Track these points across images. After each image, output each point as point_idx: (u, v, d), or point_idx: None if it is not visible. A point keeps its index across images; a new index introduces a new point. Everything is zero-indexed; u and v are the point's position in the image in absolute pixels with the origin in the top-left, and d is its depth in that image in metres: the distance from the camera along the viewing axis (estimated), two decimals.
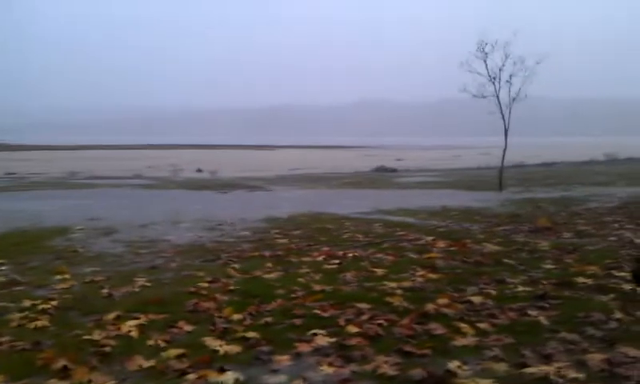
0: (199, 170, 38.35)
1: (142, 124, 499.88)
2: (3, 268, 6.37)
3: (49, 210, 12.26)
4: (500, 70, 18.99)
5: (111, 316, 4.37)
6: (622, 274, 5.62)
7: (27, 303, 4.76)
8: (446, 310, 4.48)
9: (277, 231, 9.02)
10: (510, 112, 19.34)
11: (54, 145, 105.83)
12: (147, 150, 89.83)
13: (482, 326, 4.11)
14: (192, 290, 5.20)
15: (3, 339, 3.85)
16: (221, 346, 3.73)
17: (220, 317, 4.38)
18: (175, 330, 4.09)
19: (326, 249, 7.30)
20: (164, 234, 9.01)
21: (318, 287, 5.23)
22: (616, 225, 9.38)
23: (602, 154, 44.44)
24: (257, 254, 7.10)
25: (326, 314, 4.39)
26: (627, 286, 5.11)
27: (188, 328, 4.13)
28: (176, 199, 15.76)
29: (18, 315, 4.42)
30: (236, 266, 6.35)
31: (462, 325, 4.12)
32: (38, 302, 4.80)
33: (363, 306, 4.59)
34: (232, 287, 5.29)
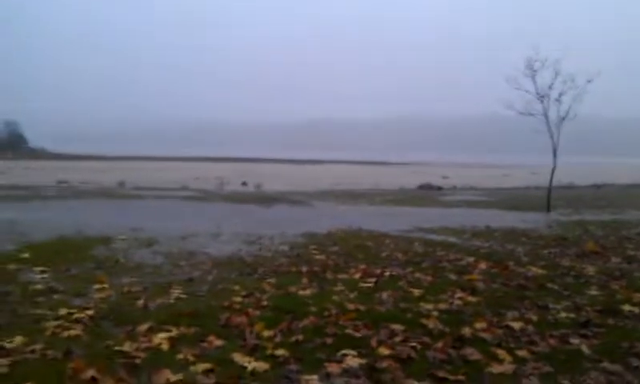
0: (244, 184, 38.75)
1: (181, 136, 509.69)
2: (44, 276, 6.47)
3: (94, 219, 12.51)
4: (549, 87, 18.62)
5: (144, 327, 4.37)
6: None
7: (63, 311, 4.81)
8: (483, 335, 4.33)
9: (315, 247, 8.97)
10: (559, 131, 18.90)
11: (101, 155, 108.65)
12: (191, 162, 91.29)
13: (520, 353, 3.96)
14: (225, 303, 5.17)
15: (36, 347, 3.89)
16: (249, 362, 3.68)
17: (251, 332, 4.33)
18: (205, 345, 4.06)
19: (363, 266, 7.19)
20: (204, 246, 9.07)
21: (352, 306, 5.13)
22: None
23: None
24: (293, 269, 7.06)
25: (358, 334, 4.29)
26: None
27: (218, 343, 4.09)
28: (219, 212, 15.90)
29: (54, 323, 4.46)
30: (271, 280, 6.31)
31: (500, 351, 3.97)
32: (74, 310, 4.84)
33: (397, 327, 4.47)
34: (265, 302, 5.24)
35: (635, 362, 3.75)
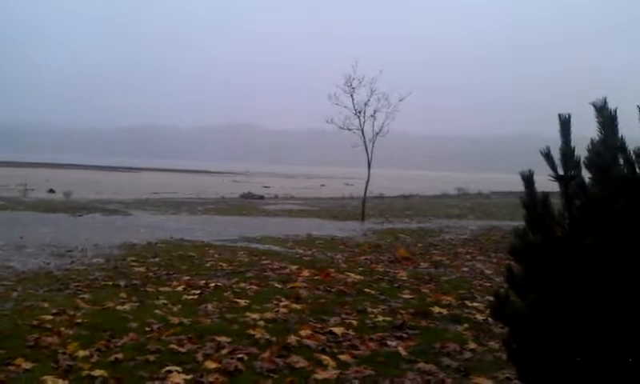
0: (52, 191, 35.87)
1: None
2: None
3: None
4: (365, 104, 19.71)
5: None
6: (475, 304, 5.90)
7: None
8: (308, 342, 4.41)
9: (133, 258, 8.52)
10: (373, 145, 20.05)
11: None
12: None
13: (343, 357, 4.08)
14: (34, 322, 4.72)
15: None
16: None
17: (64, 353, 3.99)
18: (12, 368, 3.68)
19: (186, 278, 6.99)
20: (6, 259, 8.21)
21: (175, 319, 4.94)
22: (468, 256, 9.92)
23: (454, 188, 47.39)
24: (110, 283, 6.64)
25: (182, 349, 4.15)
26: (480, 316, 5.35)
27: (27, 365, 3.73)
28: (23, 221, 14.51)
29: None
30: (85, 296, 5.87)
31: (324, 357, 4.07)
32: None
33: (223, 339, 4.40)
34: (80, 320, 4.87)
35: (447, 361, 4.04)
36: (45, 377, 3.51)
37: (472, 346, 4.43)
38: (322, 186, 65.18)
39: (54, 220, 15.34)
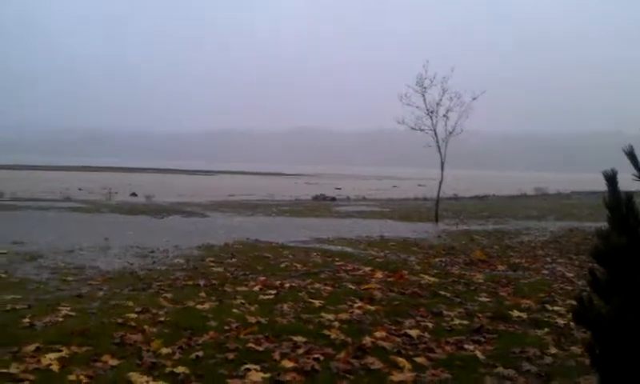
0: (134, 194, 37.38)
1: (72, 145, 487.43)
2: None
3: None
4: (437, 104, 19.47)
5: (31, 348, 4.07)
6: (556, 307, 5.72)
7: None
8: (383, 344, 4.41)
9: (212, 259, 8.77)
10: (446, 145, 19.77)
11: None
12: (76, 171, 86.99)
13: (419, 360, 4.06)
14: (119, 320, 4.93)
15: None
16: (147, 381, 3.53)
17: (148, 350, 4.15)
18: (99, 364, 3.85)
19: (262, 278, 7.12)
20: (92, 260, 8.63)
21: (253, 319, 5.05)
22: (548, 258, 9.63)
23: (532, 189, 46.03)
24: (190, 282, 6.85)
25: (260, 348, 4.24)
26: (561, 321, 5.19)
27: (113, 362, 3.89)
28: (108, 224, 15.21)
29: None
30: (168, 295, 6.08)
31: (400, 359, 4.06)
32: None
33: (299, 338, 4.46)
34: (162, 318, 5.05)
35: (527, 366, 3.95)
36: (130, 373, 3.66)
37: (553, 350, 4.31)
38: (395, 187, 64.83)
39: (136, 222, 15.98)
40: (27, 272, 7.50)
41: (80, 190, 40.18)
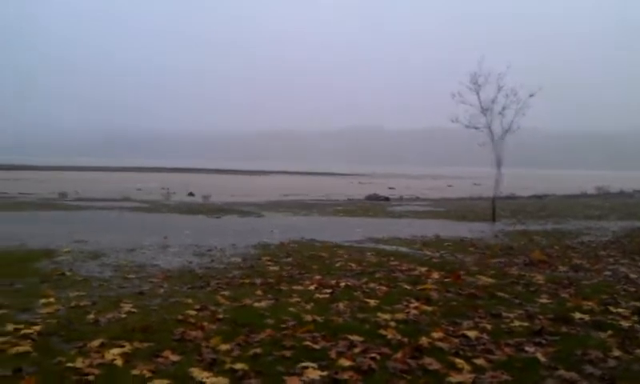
0: (191, 194, 38.17)
1: (129, 146, 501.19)
2: None
3: (35, 232, 12.05)
4: (492, 101, 19.11)
5: (95, 343, 4.21)
6: (619, 309, 5.54)
7: (10, 327, 4.59)
8: (440, 344, 4.36)
9: (268, 258, 8.88)
10: (502, 143, 19.39)
11: (42, 165, 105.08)
12: (135, 172, 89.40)
13: (477, 361, 4.00)
14: (179, 317, 5.05)
15: None
16: (207, 377, 3.60)
17: (207, 347, 4.24)
18: (161, 360, 3.94)
19: (317, 277, 7.16)
20: (153, 258, 8.86)
21: (309, 317, 5.09)
22: (611, 259, 9.33)
23: (592, 187, 44.65)
24: (247, 281, 6.96)
25: (317, 346, 4.26)
26: (625, 323, 5.02)
27: (174, 358, 3.99)
28: (167, 223, 15.59)
29: (0, 340, 4.26)
30: (225, 293, 6.19)
31: (458, 360, 4.01)
32: (21, 326, 4.63)
33: (356, 338, 4.46)
34: (221, 315, 5.14)
35: (589, 369, 3.84)
36: (191, 369, 3.74)
37: (617, 353, 4.17)
38: (450, 186, 63.98)
39: (194, 221, 16.33)
40: (91, 270, 7.77)
41: (138, 190, 41.30)
